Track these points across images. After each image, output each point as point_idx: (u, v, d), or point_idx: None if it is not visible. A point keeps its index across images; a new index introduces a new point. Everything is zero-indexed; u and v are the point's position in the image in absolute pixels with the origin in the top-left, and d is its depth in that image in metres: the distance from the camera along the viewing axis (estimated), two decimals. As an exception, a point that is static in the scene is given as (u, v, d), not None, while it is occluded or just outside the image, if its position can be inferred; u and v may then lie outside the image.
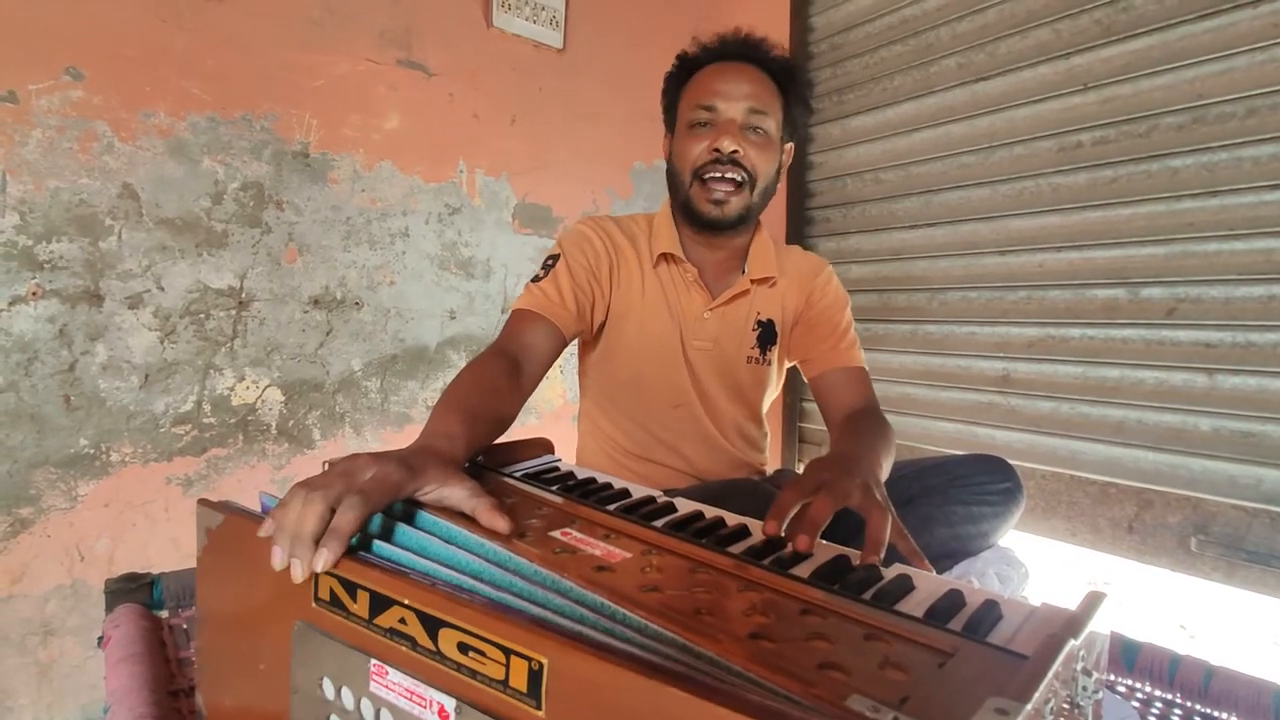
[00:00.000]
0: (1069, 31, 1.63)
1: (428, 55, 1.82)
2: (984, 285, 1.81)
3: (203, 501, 0.60)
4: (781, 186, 2.26)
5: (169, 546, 1.48)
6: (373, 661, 0.47)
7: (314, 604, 0.51)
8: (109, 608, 0.89)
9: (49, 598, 1.36)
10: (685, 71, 1.12)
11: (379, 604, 0.47)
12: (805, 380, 1.19)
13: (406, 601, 0.46)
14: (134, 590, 0.92)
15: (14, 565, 1.32)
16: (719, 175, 1.05)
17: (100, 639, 0.82)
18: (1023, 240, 1.74)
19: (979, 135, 1.81)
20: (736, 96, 1.04)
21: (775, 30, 2.26)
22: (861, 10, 2.07)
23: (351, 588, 0.49)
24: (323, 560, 0.49)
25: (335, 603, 0.50)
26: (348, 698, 0.49)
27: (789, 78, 1.10)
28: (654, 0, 2.25)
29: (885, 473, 0.86)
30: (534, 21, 1.99)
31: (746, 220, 1.11)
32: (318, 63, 1.65)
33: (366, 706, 0.48)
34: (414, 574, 0.50)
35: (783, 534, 0.63)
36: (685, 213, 1.11)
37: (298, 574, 0.50)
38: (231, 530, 0.58)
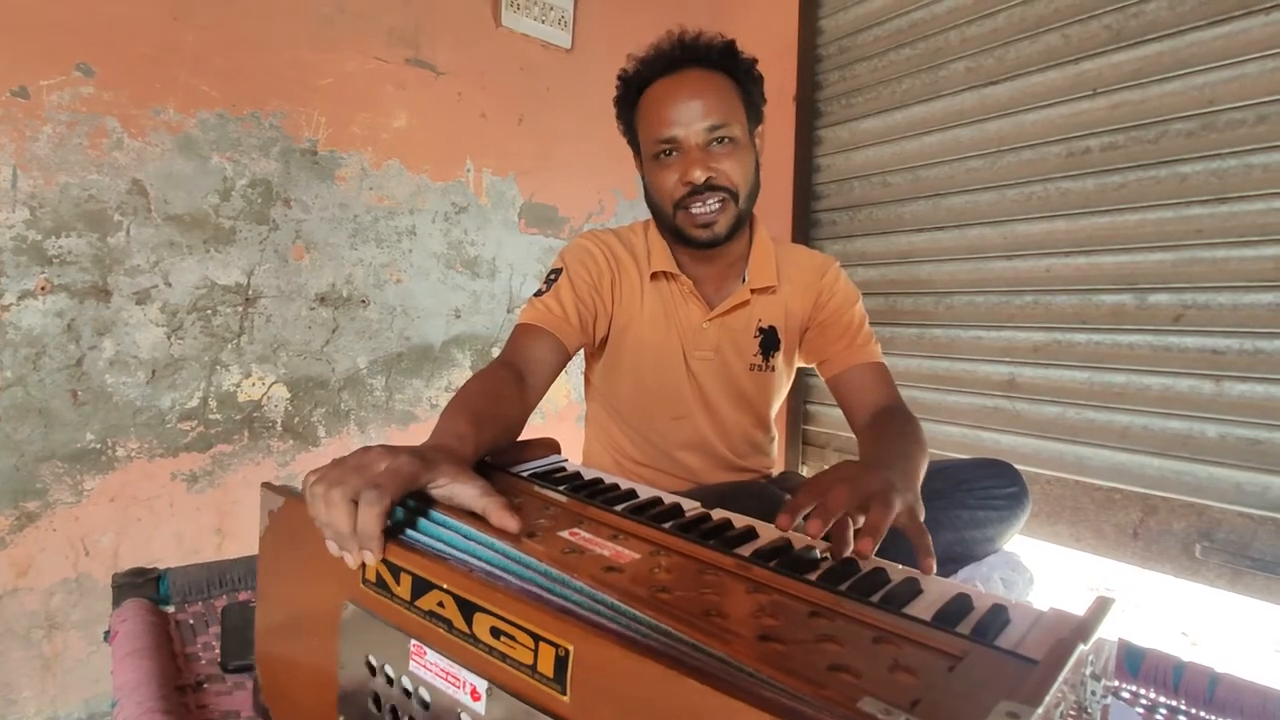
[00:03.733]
0: (1079, 37, 1.63)
1: (436, 54, 1.83)
2: (991, 290, 1.81)
3: (266, 485, 0.63)
4: (787, 188, 2.28)
5: (173, 542, 1.49)
6: (413, 642, 0.50)
7: (362, 585, 0.54)
8: (116, 602, 0.89)
9: (54, 591, 1.36)
10: (633, 92, 1.08)
11: (420, 587, 0.50)
12: (824, 381, 1.17)
13: (445, 585, 0.48)
14: (141, 585, 0.92)
15: (20, 558, 1.33)
16: (700, 204, 1.03)
17: (107, 633, 0.83)
18: (1030, 245, 1.73)
19: (987, 140, 1.81)
20: (692, 119, 1.00)
21: (783, 33, 2.27)
22: (871, 13, 2.07)
23: (395, 571, 0.52)
24: (369, 560, 0.53)
25: (381, 584, 0.53)
26: (389, 676, 0.52)
27: (735, 63, 1.05)
28: (662, 1, 2.25)
29: (919, 471, 0.82)
30: (542, 21, 2.00)
31: (738, 230, 1.08)
32: (327, 61, 1.65)
33: (406, 685, 0.51)
34: (452, 560, 0.52)
35: (793, 531, 0.62)
36: (676, 238, 1.10)
37: (352, 563, 0.54)
38: (291, 513, 0.60)
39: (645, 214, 1.18)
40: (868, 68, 2.09)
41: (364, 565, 0.54)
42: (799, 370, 1.26)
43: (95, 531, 1.40)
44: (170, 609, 0.92)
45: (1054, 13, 1.66)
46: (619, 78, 1.11)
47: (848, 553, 0.60)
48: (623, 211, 2.23)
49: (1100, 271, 1.61)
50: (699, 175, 1.00)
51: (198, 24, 1.48)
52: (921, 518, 0.68)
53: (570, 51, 2.07)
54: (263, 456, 1.61)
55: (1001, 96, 1.77)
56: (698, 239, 1.06)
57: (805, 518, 0.61)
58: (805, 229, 2.25)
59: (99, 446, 1.40)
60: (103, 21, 1.37)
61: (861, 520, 0.62)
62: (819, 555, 0.60)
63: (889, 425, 0.98)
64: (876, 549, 0.58)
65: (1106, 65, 1.58)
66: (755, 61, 1.08)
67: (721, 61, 1.04)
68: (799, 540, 0.62)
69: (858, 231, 2.13)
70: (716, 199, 1.03)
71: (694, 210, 1.03)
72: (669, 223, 1.08)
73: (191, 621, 0.90)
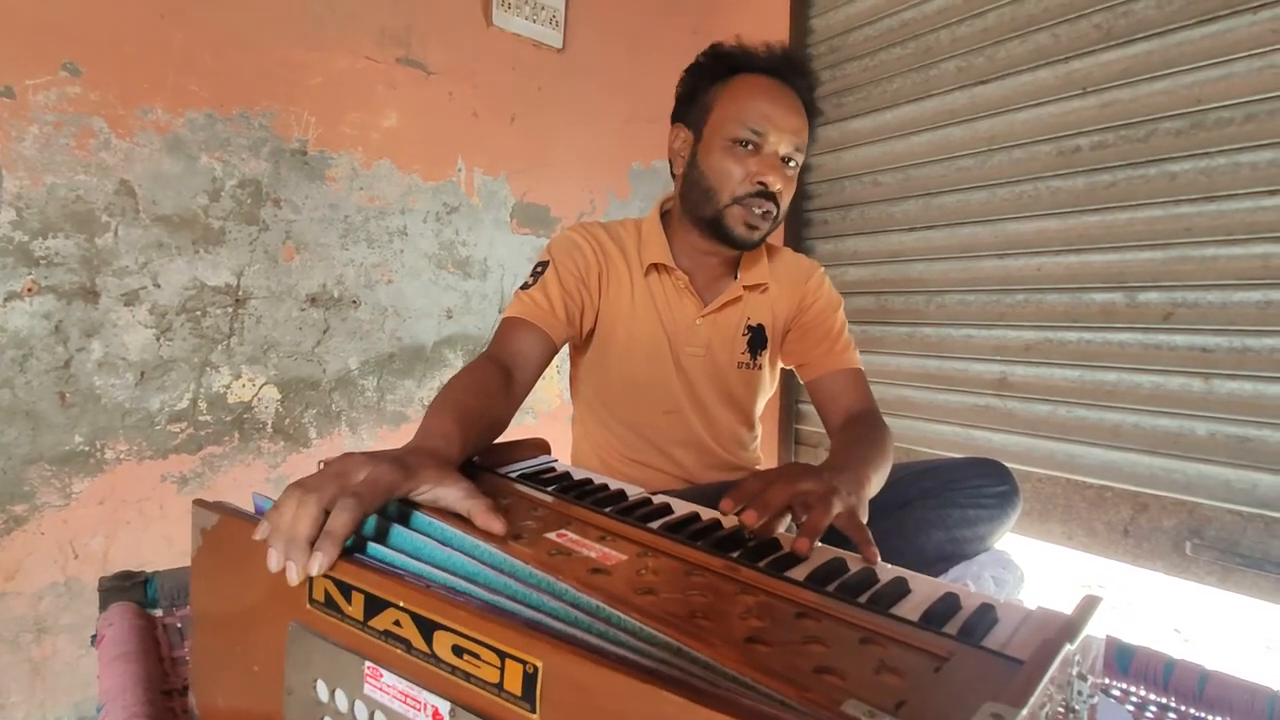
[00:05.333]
0: (1068, 36, 1.63)
1: (427, 54, 1.82)
2: (982, 288, 1.82)
3: (198, 502, 0.60)
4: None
5: (163, 544, 1.48)
6: (367, 664, 0.47)
7: (308, 605, 0.51)
8: (103, 606, 0.88)
9: (43, 595, 1.36)
10: (722, 69, 1.07)
11: (374, 606, 0.47)
12: (802, 384, 1.19)
13: (401, 604, 0.46)
14: (128, 588, 0.91)
15: (8, 562, 1.32)
16: (759, 209, 1.03)
17: (94, 637, 0.82)
18: (1021, 244, 1.74)
19: (978, 139, 1.81)
20: (787, 129, 1.02)
21: (774, 32, 2.27)
22: (861, 13, 2.08)
23: (346, 589, 0.49)
24: (317, 564, 0.49)
25: (330, 604, 0.50)
26: (341, 700, 0.49)
27: (813, 110, 1.08)
28: (654, 1, 2.25)
29: (874, 477, 0.84)
30: (534, 21, 1.99)
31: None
32: (317, 60, 1.65)
33: (360, 709, 0.48)
34: (409, 576, 0.50)
35: (737, 515, 0.64)
36: (711, 229, 1.08)
37: (293, 577, 0.50)
38: (226, 531, 0.57)
39: (637, 214, 1.17)
40: (858, 67, 2.09)
41: (310, 584, 0.50)
42: (788, 370, 1.26)
43: (84, 534, 1.39)
44: (158, 613, 0.91)
45: (1043, 12, 1.67)
46: (713, 48, 1.09)
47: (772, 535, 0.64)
48: (614, 212, 2.23)
49: (1091, 270, 1.61)
50: (775, 183, 1.01)
51: (186, 23, 1.47)
52: (864, 519, 0.71)
53: (562, 51, 2.07)
54: (253, 458, 1.60)
55: (992, 96, 1.78)
56: (742, 238, 1.06)
57: (744, 509, 0.64)
58: (797, 228, 2.25)
59: (87, 449, 1.39)
60: (90, 20, 1.36)
61: (804, 519, 0.66)
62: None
63: (854, 431, 1.01)
64: (813, 547, 0.62)
65: (1096, 64, 1.59)
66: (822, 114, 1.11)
67: (810, 98, 1.07)
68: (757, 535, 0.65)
69: (849, 230, 2.14)
70: (770, 207, 1.04)
71: (753, 209, 1.03)
72: (714, 211, 1.05)
73: (179, 625, 0.89)
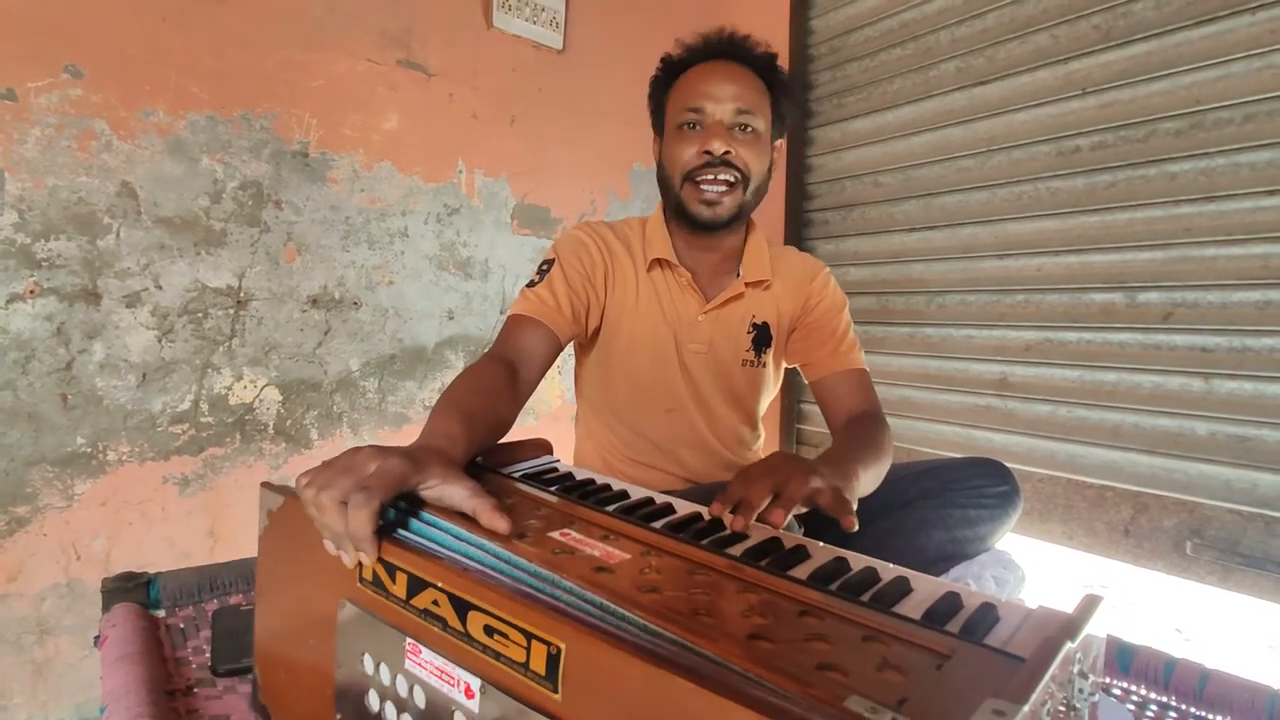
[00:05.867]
0: (1067, 37, 1.63)
1: (428, 55, 1.82)
2: (982, 289, 1.82)
3: (266, 484, 0.64)
4: (780, 188, 2.29)
5: (165, 546, 1.48)
6: (408, 640, 0.50)
7: (359, 584, 0.54)
8: (106, 607, 0.89)
9: (45, 596, 1.36)
10: (670, 74, 1.12)
11: (415, 586, 0.51)
12: (807, 384, 1.19)
13: (440, 584, 0.49)
14: (131, 589, 0.92)
15: (10, 564, 1.32)
16: (711, 177, 1.05)
17: (96, 638, 0.82)
18: (1021, 244, 1.74)
19: (978, 139, 1.81)
20: (724, 97, 1.04)
21: (775, 33, 2.27)
22: (861, 14, 2.08)
23: (391, 569, 0.52)
24: (365, 560, 0.54)
25: (377, 583, 0.53)
26: (385, 674, 0.52)
27: (774, 73, 1.09)
28: (654, 2, 2.25)
29: (864, 474, 0.85)
30: (534, 22, 2.00)
31: (740, 219, 1.10)
32: (318, 62, 1.65)
33: (401, 683, 0.51)
34: (447, 558, 0.53)
35: (725, 517, 0.65)
36: (678, 215, 1.11)
37: (348, 561, 0.54)
38: (290, 513, 0.61)
39: (638, 214, 1.18)
40: (859, 68, 2.09)
41: (360, 564, 0.54)
42: (792, 369, 1.26)
43: (86, 536, 1.40)
44: (160, 613, 0.92)
45: (1043, 13, 1.67)
46: (662, 59, 1.14)
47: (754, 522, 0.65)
48: (615, 212, 2.23)
49: (1090, 270, 1.62)
50: (718, 146, 1.02)
51: (187, 26, 1.47)
52: (851, 500, 0.71)
53: (562, 53, 2.07)
54: (255, 459, 1.60)
55: (991, 96, 1.78)
56: (700, 215, 1.07)
57: (734, 509, 0.65)
58: (798, 229, 2.25)
59: (89, 450, 1.39)
60: (91, 23, 1.36)
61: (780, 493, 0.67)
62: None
63: (854, 431, 1.02)
64: (788, 519, 0.64)
65: (1095, 65, 1.59)
66: (797, 85, 1.11)
67: (763, 68, 1.09)
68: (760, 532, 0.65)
69: (850, 231, 2.14)
70: (728, 176, 1.04)
71: (703, 185, 1.05)
72: (674, 197, 1.09)
73: (182, 626, 0.89)
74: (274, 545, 0.64)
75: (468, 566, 0.51)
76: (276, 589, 0.65)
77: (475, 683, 0.46)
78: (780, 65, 1.11)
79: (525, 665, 0.43)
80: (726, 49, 1.08)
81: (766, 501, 0.66)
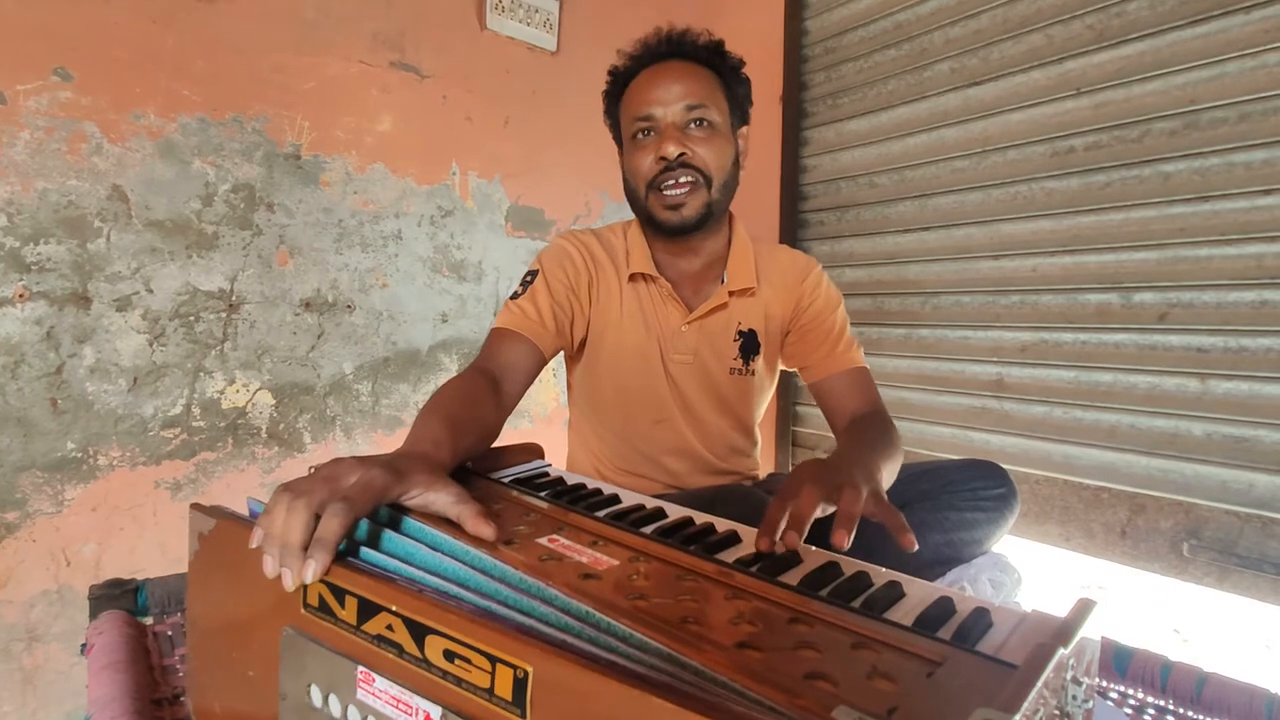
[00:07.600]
0: (1061, 37, 1.63)
1: (421, 57, 1.82)
2: (977, 290, 1.82)
3: (195, 506, 0.60)
4: (774, 189, 2.28)
5: (156, 551, 1.47)
6: (360, 668, 0.47)
7: (303, 610, 0.51)
8: (93, 614, 0.88)
9: (34, 603, 1.35)
10: (619, 85, 1.11)
11: (367, 610, 0.47)
12: (805, 386, 1.17)
13: (394, 608, 0.46)
14: (118, 596, 0.90)
15: (-1, 570, 1.31)
16: (672, 181, 1.03)
17: (83, 646, 0.81)
18: (1016, 245, 1.74)
19: (973, 140, 1.81)
20: (671, 99, 1.02)
21: (769, 34, 2.27)
22: (856, 15, 2.08)
23: (340, 594, 0.49)
24: (311, 571, 0.49)
25: (324, 609, 0.50)
26: (335, 705, 0.49)
27: (722, 60, 1.07)
28: (648, 3, 2.25)
29: (886, 471, 0.83)
30: (528, 24, 1.99)
31: (711, 219, 1.08)
32: (310, 65, 1.64)
33: (353, 714, 0.48)
34: (401, 581, 0.49)
35: (776, 548, 0.61)
36: (649, 224, 1.10)
37: (288, 583, 0.50)
38: (224, 535, 0.57)
39: (632, 217, 1.17)
40: (853, 69, 2.09)
41: (305, 588, 0.50)
42: (788, 372, 1.25)
43: (76, 542, 1.38)
44: (149, 620, 0.91)
45: (1037, 13, 1.67)
46: (609, 72, 1.13)
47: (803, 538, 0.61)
48: (609, 214, 2.22)
49: (1086, 271, 1.61)
50: (672, 150, 1.01)
51: (178, 28, 1.46)
52: (860, 481, 0.68)
53: (556, 54, 2.07)
54: (247, 464, 1.59)
55: (986, 97, 1.78)
56: (666, 222, 1.06)
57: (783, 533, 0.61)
58: (792, 230, 2.25)
59: (80, 455, 1.38)
60: (81, 25, 1.36)
61: (831, 510, 0.63)
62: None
63: (862, 429, 1.00)
64: (852, 538, 0.59)
65: (1089, 65, 1.59)
66: (742, 63, 1.09)
67: (708, 58, 1.07)
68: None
69: (845, 232, 2.13)
70: (688, 177, 1.03)
71: (665, 191, 1.04)
72: (642, 207, 1.09)
73: (170, 633, 0.88)
74: (207, 571, 0.60)
75: (424, 587, 0.49)
76: (211, 618, 0.60)
77: (435, 711, 0.44)
78: (728, 51, 1.09)
79: (490, 691, 0.41)
80: (667, 48, 1.07)
81: (817, 514, 0.63)
